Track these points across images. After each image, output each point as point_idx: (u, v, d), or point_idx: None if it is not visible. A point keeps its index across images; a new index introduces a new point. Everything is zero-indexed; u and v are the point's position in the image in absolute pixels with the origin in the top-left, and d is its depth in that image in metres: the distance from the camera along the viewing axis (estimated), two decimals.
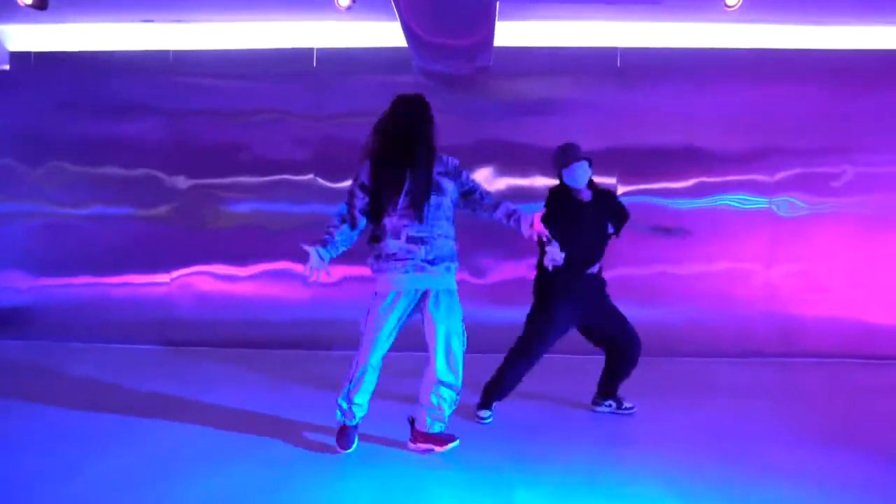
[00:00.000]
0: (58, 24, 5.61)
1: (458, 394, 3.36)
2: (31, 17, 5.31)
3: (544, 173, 5.36)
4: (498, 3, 4.28)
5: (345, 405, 3.33)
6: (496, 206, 3.33)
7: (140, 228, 5.77)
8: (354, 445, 3.36)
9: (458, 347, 3.30)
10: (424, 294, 3.26)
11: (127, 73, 5.70)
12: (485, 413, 3.85)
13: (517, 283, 5.50)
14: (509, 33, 5.35)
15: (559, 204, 3.68)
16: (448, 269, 3.28)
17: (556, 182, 3.83)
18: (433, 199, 3.21)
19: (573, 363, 4.78)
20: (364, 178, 3.26)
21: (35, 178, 5.82)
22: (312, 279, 3.26)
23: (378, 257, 3.26)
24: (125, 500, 2.80)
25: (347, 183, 5.62)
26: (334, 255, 3.28)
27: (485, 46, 4.98)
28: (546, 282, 3.71)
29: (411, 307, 3.28)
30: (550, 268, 3.43)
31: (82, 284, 5.85)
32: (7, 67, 5.76)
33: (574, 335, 3.94)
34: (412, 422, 3.41)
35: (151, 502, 2.77)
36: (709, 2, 4.85)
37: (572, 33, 5.50)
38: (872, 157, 5.48)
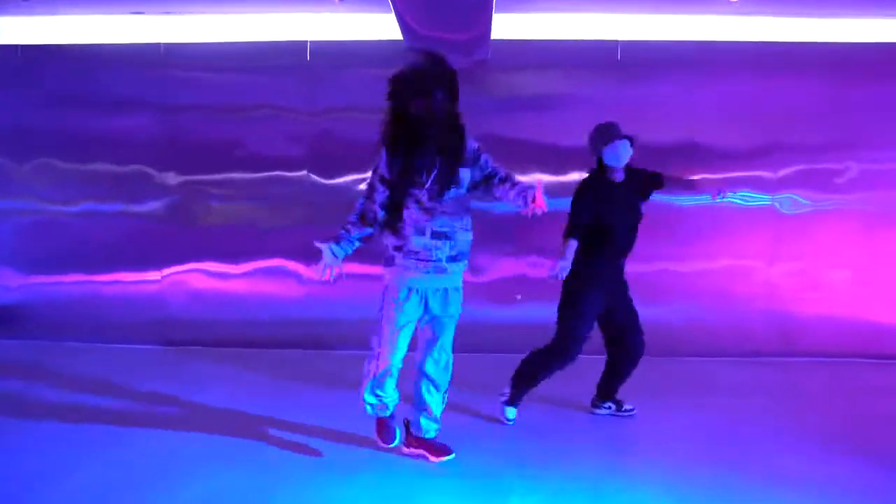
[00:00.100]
0: (45, 15, 5.49)
1: (447, 391, 3.29)
2: (17, 9, 5.19)
3: (543, 169, 5.29)
4: None
5: (373, 399, 3.18)
6: (513, 185, 3.08)
7: (131, 225, 5.66)
8: (398, 437, 3.26)
9: (451, 344, 3.23)
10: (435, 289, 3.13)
11: (116, 67, 5.57)
12: (511, 413, 3.75)
13: (516, 281, 5.44)
14: (507, 26, 5.25)
15: (593, 192, 3.62)
16: (464, 265, 3.18)
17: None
18: (452, 190, 3.04)
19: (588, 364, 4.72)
20: (384, 169, 3.06)
21: (23, 175, 5.70)
22: (325, 278, 3.06)
23: (399, 250, 3.08)
24: None
25: (341, 179, 5.72)
26: (348, 253, 3.12)
27: (482, 40, 4.89)
28: (575, 270, 3.57)
29: (423, 303, 3.14)
30: (558, 276, 3.38)
31: (73, 282, 5.75)
32: None
33: (594, 334, 3.86)
34: (407, 424, 3.33)
35: None
36: None
37: (571, 26, 5.39)
38: (877, 153, 5.38)
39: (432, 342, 3.19)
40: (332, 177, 5.53)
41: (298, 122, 5.53)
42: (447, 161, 3.02)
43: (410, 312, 3.10)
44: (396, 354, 3.11)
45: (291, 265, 5.57)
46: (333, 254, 3.05)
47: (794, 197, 5.41)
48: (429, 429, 3.27)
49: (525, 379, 3.76)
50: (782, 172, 5.41)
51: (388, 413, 3.22)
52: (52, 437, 3.48)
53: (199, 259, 5.66)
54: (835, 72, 5.33)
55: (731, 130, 5.36)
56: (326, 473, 3.08)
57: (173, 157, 5.62)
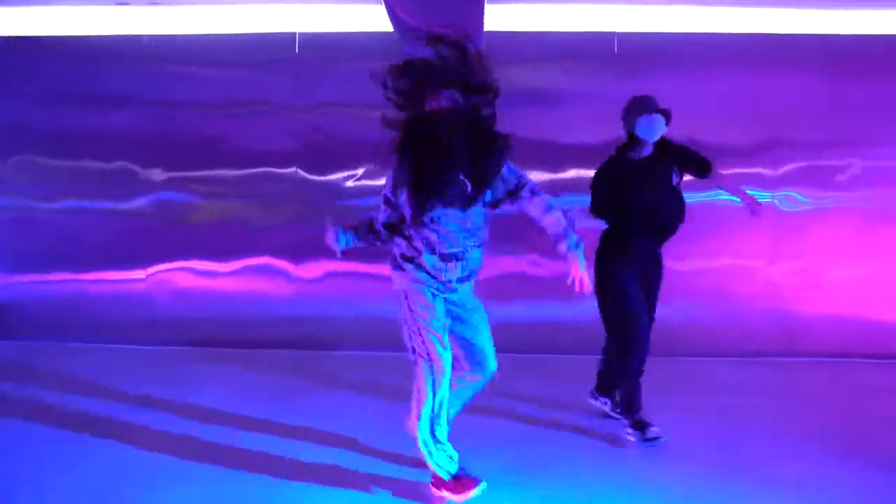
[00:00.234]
0: (26, 6, 5.34)
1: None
2: None
3: (540, 167, 5.17)
4: None
5: (441, 453, 2.78)
6: (547, 210, 2.77)
7: (115, 223, 5.53)
8: (480, 486, 2.80)
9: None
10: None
11: (99, 60, 5.44)
12: (652, 431, 3.44)
13: (515, 279, 5.32)
14: (500, 17, 5.13)
15: (609, 171, 3.53)
16: (473, 282, 2.93)
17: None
18: (466, 213, 2.73)
19: (568, 363, 4.63)
20: (388, 189, 2.82)
21: (5, 172, 5.57)
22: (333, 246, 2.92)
23: (410, 261, 2.80)
24: None
25: (332, 176, 5.60)
26: (350, 247, 2.95)
27: (474, 32, 4.76)
28: (605, 251, 3.50)
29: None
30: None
31: (56, 281, 5.62)
32: None
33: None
34: None
35: None
36: None
37: (567, 17, 5.27)
38: (879, 149, 5.27)
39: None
40: (321, 173, 5.40)
41: (287, 116, 5.40)
42: (474, 185, 2.67)
43: (442, 314, 2.81)
44: (446, 354, 2.76)
45: (280, 263, 5.46)
46: (336, 238, 2.91)
47: (795, 194, 5.31)
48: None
49: (629, 397, 3.55)
50: (783, 170, 5.30)
51: (456, 468, 2.81)
52: (36, 439, 3.40)
53: (185, 257, 5.53)
54: (836, 65, 5.23)
55: (730, 126, 5.24)
56: (309, 483, 2.97)
57: (159, 153, 5.49)
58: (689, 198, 5.18)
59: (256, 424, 3.67)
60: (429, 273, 2.78)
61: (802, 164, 5.29)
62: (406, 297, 2.82)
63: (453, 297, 2.86)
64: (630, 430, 3.50)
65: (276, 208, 5.44)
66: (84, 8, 5.36)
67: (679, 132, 5.20)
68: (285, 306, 5.46)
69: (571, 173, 5.29)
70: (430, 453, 2.79)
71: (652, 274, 3.62)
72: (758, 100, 5.25)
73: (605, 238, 3.59)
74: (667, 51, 5.24)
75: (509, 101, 5.24)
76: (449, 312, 2.87)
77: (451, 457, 2.82)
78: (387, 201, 2.85)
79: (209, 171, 5.47)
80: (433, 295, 2.80)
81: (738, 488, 2.96)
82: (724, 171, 5.16)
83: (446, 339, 2.80)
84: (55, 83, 5.49)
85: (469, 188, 2.67)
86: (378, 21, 5.06)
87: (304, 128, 5.40)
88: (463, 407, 3.04)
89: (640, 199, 3.46)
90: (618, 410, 3.75)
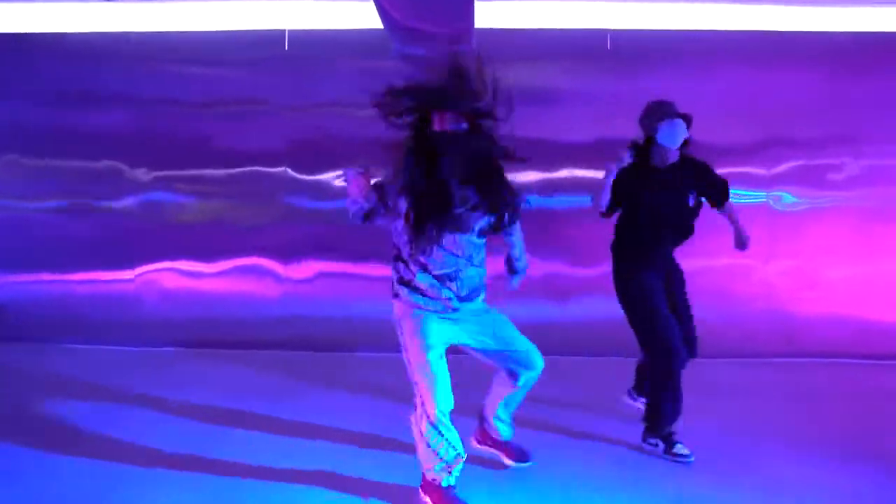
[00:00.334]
0: (8, 2, 5.24)
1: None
2: None
3: (534, 167, 5.11)
4: None
5: (440, 440, 2.67)
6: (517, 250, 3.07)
7: (102, 223, 5.46)
8: None
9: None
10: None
11: (84, 58, 5.36)
12: (681, 448, 3.30)
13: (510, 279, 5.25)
14: (492, 14, 5.05)
15: (628, 177, 3.38)
16: (480, 300, 2.88)
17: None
18: (459, 236, 2.73)
19: (567, 366, 4.55)
20: (389, 198, 2.74)
21: None
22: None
23: (406, 284, 2.77)
24: None
25: (322, 176, 5.52)
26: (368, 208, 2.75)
27: (465, 30, 4.70)
28: (623, 260, 3.44)
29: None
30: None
31: (42, 282, 5.55)
32: None
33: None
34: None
35: None
36: None
37: (559, 14, 5.20)
38: (876, 147, 5.22)
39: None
40: (311, 173, 5.34)
41: (276, 115, 5.33)
42: (488, 212, 2.77)
43: (439, 341, 2.74)
44: (439, 382, 2.65)
45: (268, 263, 5.40)
46: (367, 195, 2.71)
47: (790, 194, 5.26)
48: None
49: (655, 408, 3.40)
50: (777, 169, 5.25)
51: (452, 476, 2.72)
52: (22, 441, 3.36)
53: (172, 257, 5.46)
54: (833, 62, 5.18)
55: (725, 125, 5.16)
56: (293, 484, 2.92)
57: (145, 151, 5.41)
58: None
59: (245, 425, 3.63)
60: (426, 295, 2.74)
61: (798, 162, 5.24)
62: (400, 327, 2.80)
63: (459, 317, 2.80)
64: (652, 441, 3.36)
65: (265, 208, 5.38)
66: (68, 5, 5.27)
67: None
68: (274, 307, 5.40)
69: (563, 173, 5.24)
70: (440, 434, 2.65)
71: (672, 276, 3.54)
72: (756, 97, 5.19)
73: (618, 246, 3.49)
74: (663, 48, 5.18)
75: (503, 100, 5.26)
76: (463, 334, 2.82)
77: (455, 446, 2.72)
78: (381, 199, 2.74)
79: (198, 171, 5.40)
80: (435, 317, 2.75)
81: (737, 488, 2.95)
82: (720, 171, 5.18)
83: (442, 368, 2.69)
84: (42, 83, 5.41)
85: (463, 213, 2.69)
86: (368, 18, 5.00)
87: (294, 126, 5.32)
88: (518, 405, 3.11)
89: (662, 206, 3.37)
90: (672, 451, 3.41)
